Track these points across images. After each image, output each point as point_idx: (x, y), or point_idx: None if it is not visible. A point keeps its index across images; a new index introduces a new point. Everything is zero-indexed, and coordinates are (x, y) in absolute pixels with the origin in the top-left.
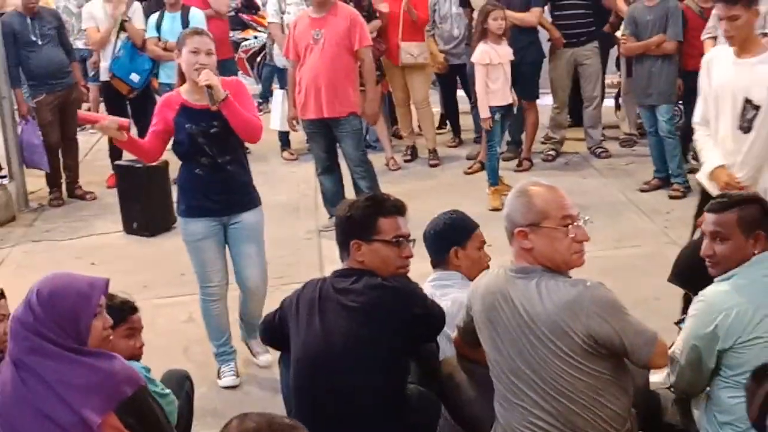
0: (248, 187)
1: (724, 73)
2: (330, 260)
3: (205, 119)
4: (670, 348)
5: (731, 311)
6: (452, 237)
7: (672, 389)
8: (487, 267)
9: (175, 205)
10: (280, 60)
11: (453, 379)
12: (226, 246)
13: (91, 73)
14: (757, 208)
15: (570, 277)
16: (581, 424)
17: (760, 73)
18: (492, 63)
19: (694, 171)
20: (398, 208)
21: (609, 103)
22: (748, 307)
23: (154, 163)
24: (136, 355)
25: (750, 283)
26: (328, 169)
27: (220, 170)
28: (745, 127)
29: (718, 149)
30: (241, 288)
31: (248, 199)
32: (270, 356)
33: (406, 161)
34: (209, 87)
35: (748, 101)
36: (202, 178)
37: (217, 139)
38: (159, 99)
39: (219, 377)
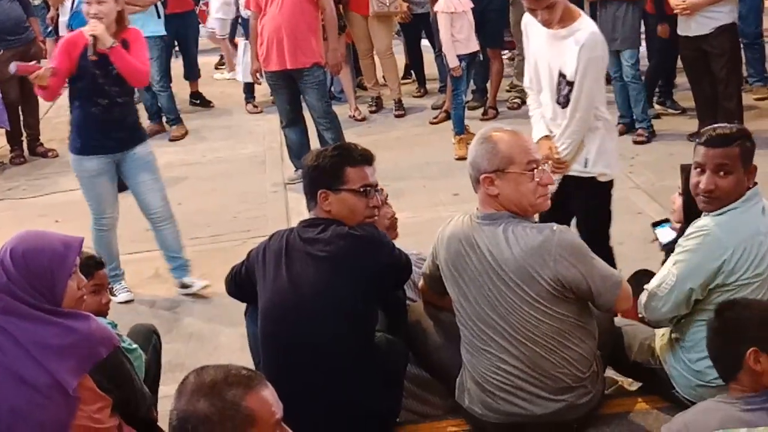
0: (138, 124)
1: (538, 42)
2: (297, 213)
3: (107, 61)
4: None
5: (740, 246)
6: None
7: (644, 318)
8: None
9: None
10: (244, 11)
11: (420, 326)
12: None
13: (48, 29)
14: (752, 141)
15: (536, 222)
16: (548, 367)
17: (569, 48)
18: (456, 11)
19: (659, 117)
20: (366, 158)
21: None
22: (752, 243)
23: None
24: (102, 311)
25: (750, 217)
26: (293, 121)
27: (116, 110)
28: (562, 102)
29: (542, 119)
30: (148, 217)
31: (138, 135)
32: (206, 281)
33: (371, 112)
34: (93, 37)
35: (562, 75)
36: (98, 117)
37: (117, 81)
38: (63, 37)
39: (114, 295)
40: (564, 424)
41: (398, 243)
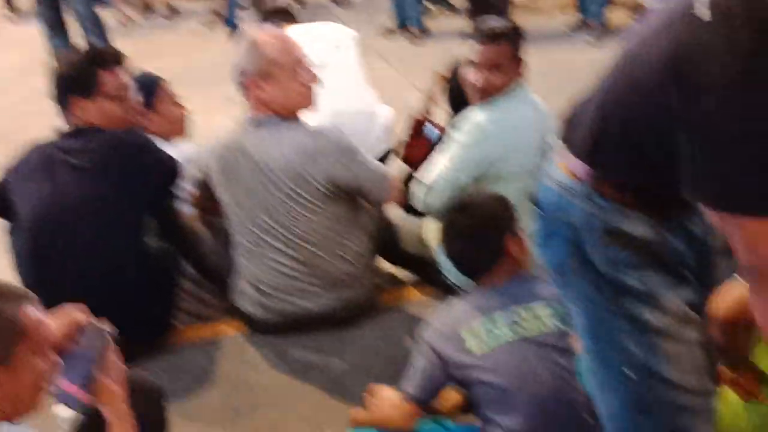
0: None
1: None
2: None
3: None
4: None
5: (501, 138)
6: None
7: (422, 209)
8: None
9: None
10: None
11: (192, 231)
12: None
13: None
14: (522, 36)
15: (305, 123)
16: (323, 265)
17: None
18: None
19: (430, 14)
20: (118, 59)
21: None
22: (514, 134)
23: None
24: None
25: (514, 109)
26: (57, 27)
27: None
28: None
29: None
30: None
31: None
32: None
33: (141, 16)
34: None
35: None
36: None
37: None
38: None
39: None
40: (341, 318)
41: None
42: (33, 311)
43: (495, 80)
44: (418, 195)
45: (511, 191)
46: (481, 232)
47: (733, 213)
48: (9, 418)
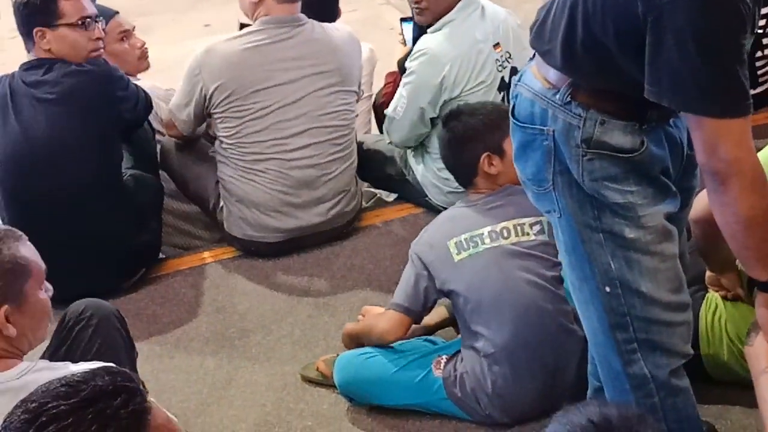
0: None
1: None
2: None
3: None
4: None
5: (456, 60)
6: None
7: (391, 143)
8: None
9: None
10: None
11: (173, 158)
12: None
13: None
14: None
15: None
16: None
17: None
18: None
19: None
20: None
21: None
22: (470, 53)
23: None
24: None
25: (467, 27)
26: None
27: None
28: None
29: None
30: None
31: None
32: None
33: None
34: None
35: None
36: None
37: None
38: None
39: None
40: (335, 230)
41: (150, 79)
42: (32, 247)
43: None
44: (386, 126)
45: None
46: (456, 145)
47: (690, 113)
48: (24, 354)
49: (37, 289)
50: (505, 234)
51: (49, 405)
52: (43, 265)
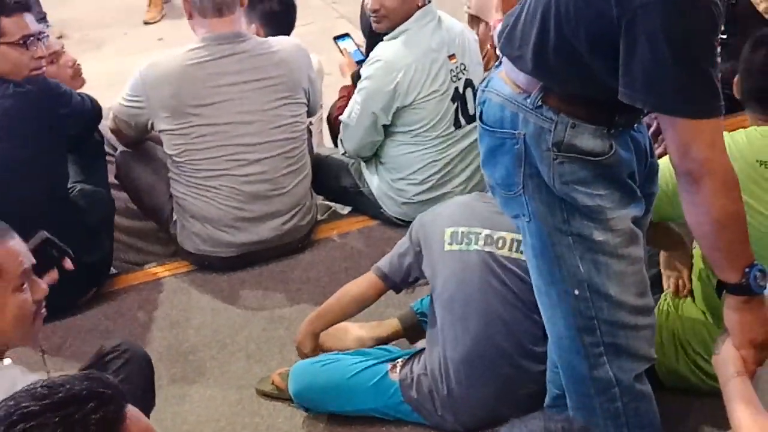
0: None
1: None
2: None
3: None
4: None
5: (411, 67)
6: None
7: (345, 154)
8: None
9: None
10: None
11: (128, 168)
12: None
13: None
14: None
15: None
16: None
17: None
18: None
19: None
20: (21, 5)
21: None
22: (424, 61)
23: None
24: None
25: (423, 36)
26: None
27: None
28: None
29: None
30: None
31: None
32: None
33: None
34: None
35: None
36: None
37: None
38: None
39: None
40: (289, 245)
41: (104, 92)
42: (10, 246)
43: (387, 3)
44: (341, 135)
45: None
46: None
47: (663, 113)
48: None
49: (11, 292)
50: (500, 244)
51: (23, 404)
52: (25, 264)
